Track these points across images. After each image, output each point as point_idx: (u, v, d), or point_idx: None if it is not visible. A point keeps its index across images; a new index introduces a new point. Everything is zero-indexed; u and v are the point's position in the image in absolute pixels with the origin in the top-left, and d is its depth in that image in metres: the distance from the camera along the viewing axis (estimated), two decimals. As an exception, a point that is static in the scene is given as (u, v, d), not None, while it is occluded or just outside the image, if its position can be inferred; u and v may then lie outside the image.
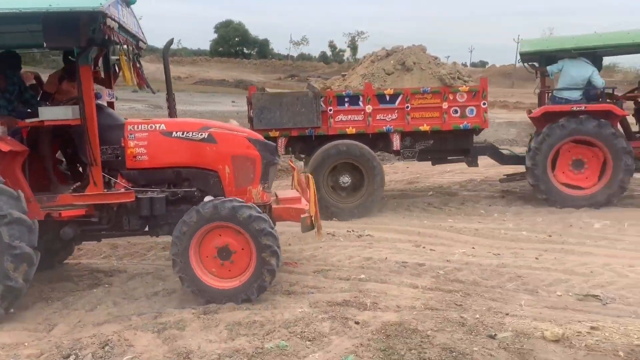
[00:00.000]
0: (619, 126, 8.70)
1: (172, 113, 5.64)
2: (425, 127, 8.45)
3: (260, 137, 5.36)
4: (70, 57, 5.51)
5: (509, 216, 8.15)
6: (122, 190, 4.86)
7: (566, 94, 8.60)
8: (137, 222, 5.03)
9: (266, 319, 4.37)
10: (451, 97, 8.44)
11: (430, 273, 5.55)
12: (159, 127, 4.96)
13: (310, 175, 5.40)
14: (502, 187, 9.83)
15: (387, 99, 8.42)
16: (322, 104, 8.29)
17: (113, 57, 5.70)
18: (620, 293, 5.00)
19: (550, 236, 7.01)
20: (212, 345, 3.94)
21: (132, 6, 5.20)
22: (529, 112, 9.30)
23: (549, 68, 8.96)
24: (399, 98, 8.40)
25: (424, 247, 6.56)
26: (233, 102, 28.17)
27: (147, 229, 5.14)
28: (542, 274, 5.57)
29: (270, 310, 4.56)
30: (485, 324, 4.20)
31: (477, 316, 4.36)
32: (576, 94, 8.56)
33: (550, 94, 9.03)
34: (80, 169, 5.51)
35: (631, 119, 9.44)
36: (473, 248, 6.51)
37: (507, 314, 4.46)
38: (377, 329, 4.14)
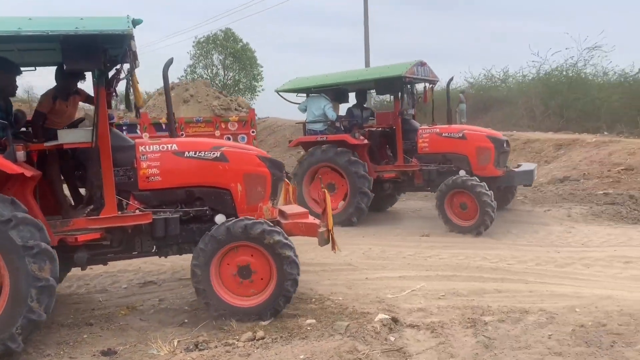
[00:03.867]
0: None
1: (172, 133, 5.43)
2: None
3: (268, 154, 5.40)
4: (64, 76, 5.13)
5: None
6: (137, 211, 4.69)
7: (311, 126, 9.84)
8: (149, 243, 4.89)
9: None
10: (223, 126, 9.64)
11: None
12: (171, 147, 4.87)
13: (326, 191, 5.41)
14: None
15: (163, 127, 9.21)
16: None
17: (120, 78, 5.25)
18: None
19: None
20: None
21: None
22: (289, 142, 10.51)
23: (298, 106, 10.13)
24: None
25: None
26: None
27: (154, 249, 4.99)
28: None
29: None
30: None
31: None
32: (319, 126, 9.75)
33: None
34: (82, 192, 5.29)
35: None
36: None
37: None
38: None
